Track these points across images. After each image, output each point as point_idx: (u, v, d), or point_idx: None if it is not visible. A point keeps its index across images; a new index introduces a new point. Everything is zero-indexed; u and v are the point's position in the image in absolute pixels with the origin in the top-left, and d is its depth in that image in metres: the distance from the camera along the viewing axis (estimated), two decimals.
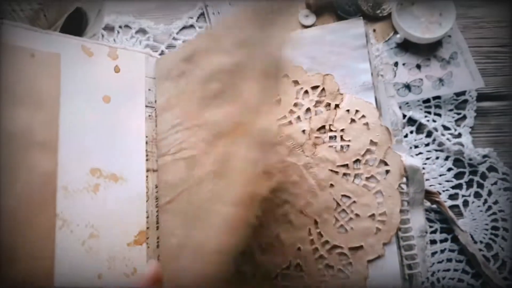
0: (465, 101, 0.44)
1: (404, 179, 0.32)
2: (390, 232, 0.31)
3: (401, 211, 0.31)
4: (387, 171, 0.32)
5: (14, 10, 0.32)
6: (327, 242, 0.32)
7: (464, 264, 0.41)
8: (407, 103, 0.45)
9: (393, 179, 0.32)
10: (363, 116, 0.33)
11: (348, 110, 0.33)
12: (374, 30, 0.47)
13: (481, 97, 0.44)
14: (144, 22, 0.46)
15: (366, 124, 0.33)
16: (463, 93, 0.44)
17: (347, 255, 0.31)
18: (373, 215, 0.31)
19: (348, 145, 0.33)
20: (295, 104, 0.35)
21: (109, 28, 0.46)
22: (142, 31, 0.47)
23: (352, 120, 0.33)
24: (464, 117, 0.44)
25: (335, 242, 0.31)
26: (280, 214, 0.33)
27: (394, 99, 0.38)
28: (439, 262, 0.41)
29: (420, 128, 0.44)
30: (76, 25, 0.38)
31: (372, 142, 0.33)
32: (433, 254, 0.42)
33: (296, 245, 0.32)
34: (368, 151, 0.32)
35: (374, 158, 0.32)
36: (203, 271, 0.24)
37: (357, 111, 0.33)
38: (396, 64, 0.46)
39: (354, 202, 0.32)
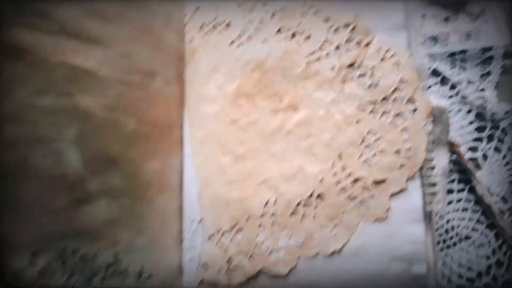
0: (491, 57, 0.44)
1: (431, 119, 0.32)
2: (414, 168, 0.31)
3: (426, 149, 0.32)
4: (415, 110, 0.32)
5: None
6: (350, 174, 0.32)
7: (479, 215, 0.42)
8: (433, 55, 0.45)
9: (420, 118, 0.32)
10: (394, 55, 0.33)
11: (378, 49, 0.33)
12: None
13: (507, 54, 0.44)
14: None
15: (396, 63, 0.33)
16: (489, 49, 0.44)
17: (370, 188, 0.32)
18: (398, 150, 0.32)
19: (377, 83, 0.33)
20: (325, 41, 0.35)
21: None
22: None
23: (382, 59, 0.33)
24: (489, 73, 0.44)
25: (358, 175, 0.32)
26: (305, 146, 0.33)
27: (422, 46, 0.38)
28: (454, 211, 0.42)
29: (444, 81, 0.45)
30: None
31: (401, 81, 0.33)
32: (449, 203, 0.42)
33: (319, 176, 0.33)
34: (396, 89, 0.33)
35: (403, 96, 0.32)
36: None
37: (387, 50, 0.33)
38: (424, 16, 0.46)
39: (380, 138, 0.32)
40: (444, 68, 0.44)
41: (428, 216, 0.32)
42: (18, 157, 0.29)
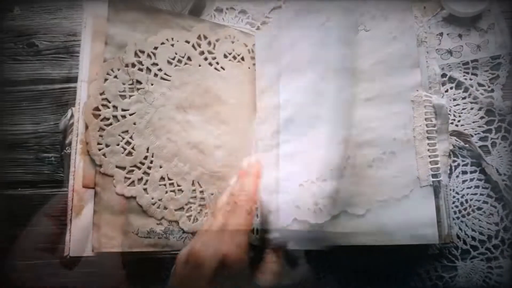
0: (499, 63, 0.53)
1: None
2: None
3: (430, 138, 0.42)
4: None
5: None
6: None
7: (489, 190, 0.51)
8: (449, 65, 0.54)
9: None
10: None
11: None
12: (424, 7, 0.57)
13: None
14: (245, 5, 0.57)
15: None
16: (498, 57, 0.53)
17: None
18: None
19: None
20: None
21: (219, 10, 0.57)
22: (243, 11, 0.58)
23: None
24: (498, 76, 0.53)
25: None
26: None
27: (435, 60, 0.48)
28: (468, 188, 0.51)
29: (458, 85, 0.53)
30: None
31: None
32: (464, 181, 0.52)
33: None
34: None
35: None
36: None
37: None
38: (441, 34, 0.56)
39: None
40: (458, 75, 0.54)
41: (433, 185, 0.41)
42: None
